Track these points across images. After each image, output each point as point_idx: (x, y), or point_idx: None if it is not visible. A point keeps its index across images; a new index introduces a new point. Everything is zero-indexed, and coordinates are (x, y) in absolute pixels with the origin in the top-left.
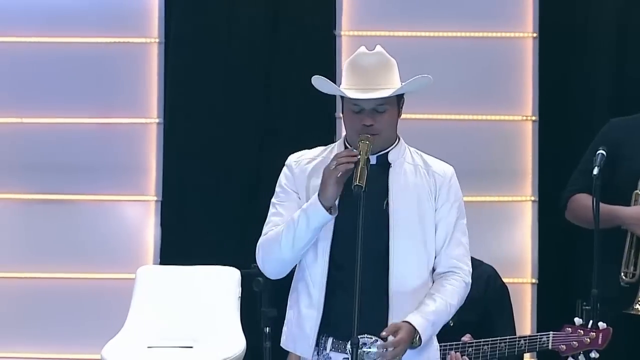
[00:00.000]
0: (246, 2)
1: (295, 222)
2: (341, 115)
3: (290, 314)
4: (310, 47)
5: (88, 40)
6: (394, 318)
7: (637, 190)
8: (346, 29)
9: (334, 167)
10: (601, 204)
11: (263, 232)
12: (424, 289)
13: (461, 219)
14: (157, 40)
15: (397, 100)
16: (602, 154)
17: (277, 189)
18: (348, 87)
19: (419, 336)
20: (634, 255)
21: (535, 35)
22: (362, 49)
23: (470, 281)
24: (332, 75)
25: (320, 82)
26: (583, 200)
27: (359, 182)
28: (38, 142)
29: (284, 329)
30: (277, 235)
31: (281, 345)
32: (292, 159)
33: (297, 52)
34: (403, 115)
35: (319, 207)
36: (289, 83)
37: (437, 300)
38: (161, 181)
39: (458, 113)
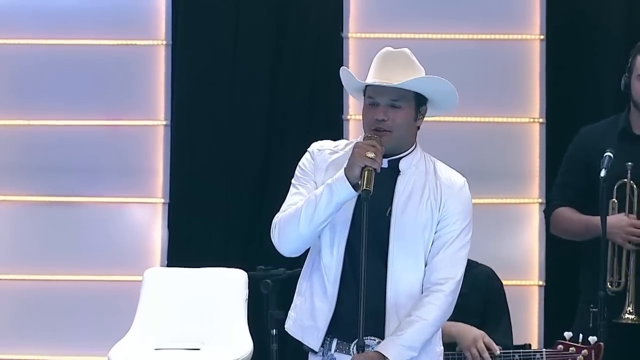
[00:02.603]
0: (253, 4)
1: (318, 196)
2: (348, 117)
3: (300, 300)
4: (317, 49)
5: (95, 42)
6: (390, 325)
7: (614, 199)
8: (353, 31)
9: (366, 147)
10: (580, 215)
11: (282, 209)
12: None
13: (465, 232)
14: (164, 42)
15: (416, 102)
16: (609, 156)
17: (297, 171)
18: (369, 79)
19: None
20: (617, 264)
21: (542, 37)
22: (389, 48)
23: (456, 288)
24: (338, 77)
25: (344, 74)
26: (565, 214)
27: (366, 187)
28: (45, 145)
29: (291, 313)
30: (296, 211)
31: (286, 329)
32: (315, 146)
33: (304, 53)
34: None
35: (345, 182)
36: (296, 85)
37: (412, 321)
38: (168, 183)
39: (465, 115)
